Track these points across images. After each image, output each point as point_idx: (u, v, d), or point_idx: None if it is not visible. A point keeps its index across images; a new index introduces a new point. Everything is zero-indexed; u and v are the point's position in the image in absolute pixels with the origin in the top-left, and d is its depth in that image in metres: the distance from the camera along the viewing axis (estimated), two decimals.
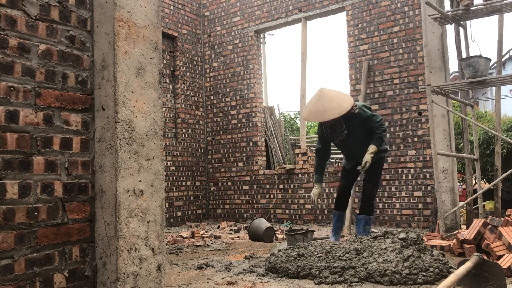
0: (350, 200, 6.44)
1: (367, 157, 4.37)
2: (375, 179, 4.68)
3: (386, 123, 7.02)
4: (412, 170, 6.76)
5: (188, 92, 8.86)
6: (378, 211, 7.00)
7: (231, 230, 7.08)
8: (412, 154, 6.82)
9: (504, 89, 14.28)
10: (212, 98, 9.12)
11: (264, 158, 8.68)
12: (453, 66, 8.20)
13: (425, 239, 4.83)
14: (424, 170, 6.66)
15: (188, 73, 8.89)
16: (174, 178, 8.31)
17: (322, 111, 4.32)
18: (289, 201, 8.01)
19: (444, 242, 4.50)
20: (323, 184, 7.61)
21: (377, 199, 7.03)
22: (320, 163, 4.81)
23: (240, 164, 8.64)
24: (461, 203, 6.30)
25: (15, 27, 2.05)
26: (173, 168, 8.32)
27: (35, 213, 2.06)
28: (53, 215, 2.13)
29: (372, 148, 4.39)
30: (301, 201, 7.86)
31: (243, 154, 8.62)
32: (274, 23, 8.40)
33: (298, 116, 19.94)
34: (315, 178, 4.81)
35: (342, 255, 3.37)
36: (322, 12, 7.86)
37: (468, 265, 2.77)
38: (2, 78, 1.99)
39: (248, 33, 8.67)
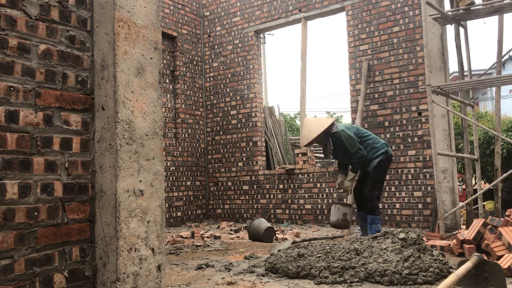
0: (350, 200, 6.48)
1: (346, 184, 5.19)
2: (372, 182, 5.13)
3: (386, 123, 7.03)
4: (412, 170, 6.76)
5: (188, 92, 8.85)
6: None
7: (231, 230, 7.08)
8: (412, 154, 6.82)
9: (504, 89, 14.27)
10: (212, 98, 9.12)
11: (264, 158, 8.68)
12: (453, 66, 8.17)
13: (425, 239, 4.83)
14: (424, 170, 6.66)
15: (188, 73, 8.89)
16: (174, 178, 8.31)
17: (307, 134, 5.14)
18: (289, 201, 8.01)
19: (444, 242, 4.50)
20: (324, 184, 7.62)
21: None
22: (340, 166, 5.56)
23: (240, 164, 8.64)
24: (461, 203, 6.30)
25: (15, 27, 2.05)
26: (173, 168, 8.32)
27: (35, 213, 2.06)
28: (53, 215, 2.13)
29: (349, 175, 5.17)
30: (301, 201, 7.86)
31: (243, 154, 8.62)
32: (274, 23, 8.40)
33: (298, 116, 19.92)
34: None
35: (342, 255, 3.37)
36: (322, 12, 7.86)
37: (468, 265, 2.77)
38: (2, 78, 1.99)
39: (248, 33, 8.67)
